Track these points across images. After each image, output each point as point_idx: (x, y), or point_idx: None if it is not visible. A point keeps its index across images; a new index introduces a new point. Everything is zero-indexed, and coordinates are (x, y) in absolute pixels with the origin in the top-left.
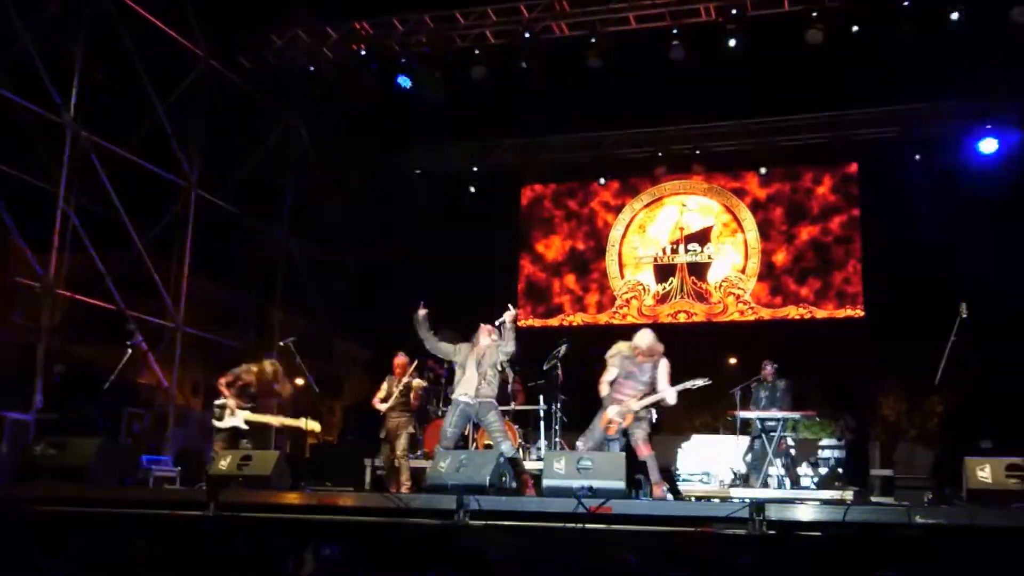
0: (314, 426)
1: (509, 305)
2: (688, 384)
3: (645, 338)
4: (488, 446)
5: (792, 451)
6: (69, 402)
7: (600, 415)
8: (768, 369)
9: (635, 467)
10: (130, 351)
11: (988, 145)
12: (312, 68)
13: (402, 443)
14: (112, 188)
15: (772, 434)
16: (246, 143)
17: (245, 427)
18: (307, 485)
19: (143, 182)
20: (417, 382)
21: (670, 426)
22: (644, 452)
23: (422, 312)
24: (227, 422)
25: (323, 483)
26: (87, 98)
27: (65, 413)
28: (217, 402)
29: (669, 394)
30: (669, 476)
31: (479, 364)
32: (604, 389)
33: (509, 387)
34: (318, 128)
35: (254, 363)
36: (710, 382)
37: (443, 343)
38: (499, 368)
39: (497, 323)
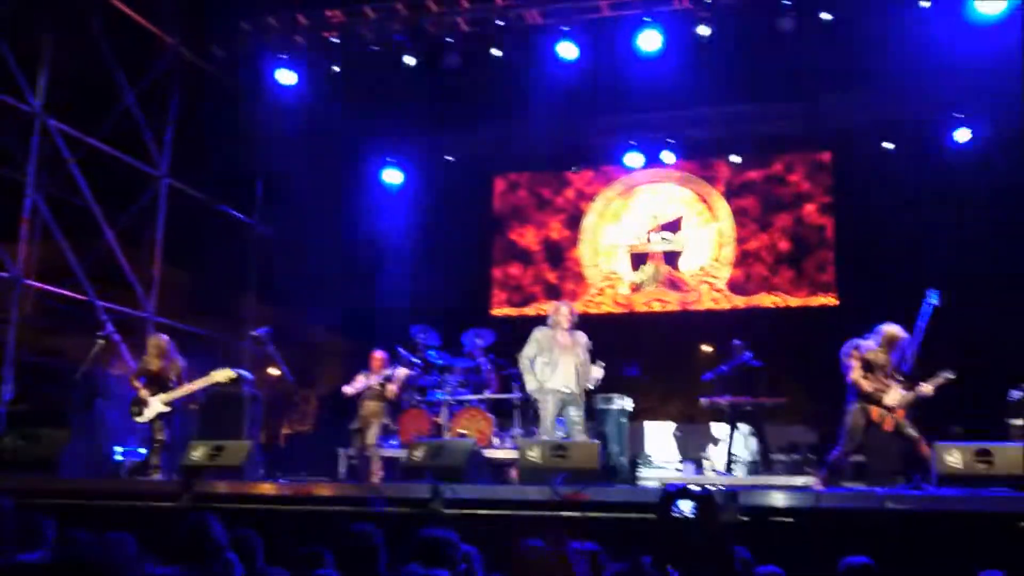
0: (222, 376)
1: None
2: None
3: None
4: (461, 435)
5: (766, 437)
6: (40, 393)
7: None
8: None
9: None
10: (101, 342)
11: (962, 135)
12: (284, 56)
13: (373, 432)
14: (82, 177)
15: (744, 422)
16: (217, 131)
17: (168, 409)
18: (281, 475)
19: (113, 171)
20: (402, 370)
21: (645, 414)
22: None
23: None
24: (147, 416)
25: (297, 473)
26: (56, 86)
27: (35, 404)
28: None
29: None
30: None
31: (580, 360)
32: None
33: (483, 375)
34: (290, 116)
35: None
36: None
37: (530, 352)
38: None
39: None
